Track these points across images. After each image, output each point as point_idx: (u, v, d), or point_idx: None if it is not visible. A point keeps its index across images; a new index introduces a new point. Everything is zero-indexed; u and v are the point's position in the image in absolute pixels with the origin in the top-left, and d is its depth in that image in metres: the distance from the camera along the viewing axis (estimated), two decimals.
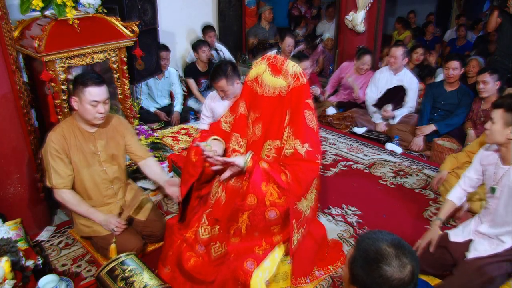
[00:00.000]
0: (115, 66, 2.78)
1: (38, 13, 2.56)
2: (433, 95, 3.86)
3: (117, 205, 2.48)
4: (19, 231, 2.30)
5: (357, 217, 2.84)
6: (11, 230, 2.18)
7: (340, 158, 3.72)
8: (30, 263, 1.97)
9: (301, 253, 1.99)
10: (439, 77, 4.44)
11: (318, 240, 2.11)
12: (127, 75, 2.87)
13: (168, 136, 3.75)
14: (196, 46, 4.62)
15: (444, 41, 6.76)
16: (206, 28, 5.14)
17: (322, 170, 3.35)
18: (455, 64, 3.65)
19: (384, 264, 1.08)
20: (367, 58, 4.46)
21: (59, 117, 2.54)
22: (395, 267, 1.08)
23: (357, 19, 4.68)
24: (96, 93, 2.18)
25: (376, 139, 4.06)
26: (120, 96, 2.92)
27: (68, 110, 2.56)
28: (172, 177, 2.91)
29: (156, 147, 3.41)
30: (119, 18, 2.79)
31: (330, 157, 3.74)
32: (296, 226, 1.86)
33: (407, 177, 3.38)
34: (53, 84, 2.47)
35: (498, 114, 1.94)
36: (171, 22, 4.96)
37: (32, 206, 2.60)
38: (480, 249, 2.04)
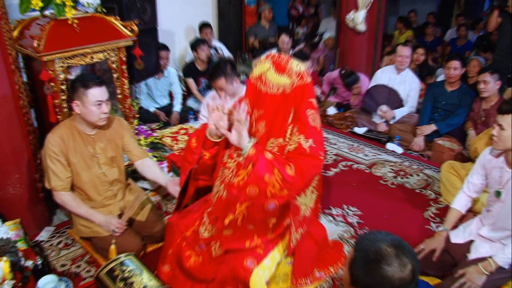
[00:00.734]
0: (114, 65, 2.77)
1: (37, 13, 2.55)
2: (433, 95, 3.85)
3: (116, 206, 2.47)
4: (18, 231, 2.29)
5: (357, 218, 2.84)
6: (10, 230, 2.17)
7: (341, 158, 3.72)
8: (29, 263, 1.97)
9: (302, 254, 1.98)
10: (440, 77, 4.44)
11: (318, 241, 2.10)
12: (126, 75, 2.86)
13: (168, 136, 3.74)
14: (195, 45, 4.60)
15: (444, 41, 6.75)
16: (203, 26, 5.13)
17: (323, 170, 3.34)
18: (455, 64, 3.64)
19: (385, 264, 1.08)
20: (356, 86, 4.52)
21: (59, 117, 2.53)
22: (396, 266, 1.08)
23: (358, 18, 4.67)
24: (98, 93, 2.17)
25: (376, 139, 4.06)
26: (119, 96, 2.91)
27: (67, 110, 2.55)
28: (172, 177, 2.90)
29: (156, 147, 3.40)
30: (118, 18, 2.78)
31: (330, 157, 3.73)
32: (295, 225, 1.85)
33: (407, 177, 3.37)
34: (52, 84, 2.47)
35: (507, 120, 1.89)
36: (171, 21, 4.94)
37: (32, 206, 2.59)
38: (482, 251, 2.03)
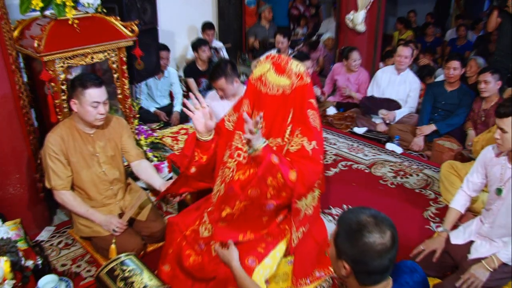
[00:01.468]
0: (114, 66, 2.77)
1: (37, 13, 2.56)
2: (433, 95, 3.85)
3: (117, 206, 2.48)
4: (18, 231, 2.29)
5: None
6: (10, 230, 2.17)
7: (341, 158, 3.72)
8: (29, 263, 1.97)
9: (303, 254, 1.98)
10: (439, 77, 4.44)
11: (319, 242, 2.10)
12: (126, 75, 2.87)
13: (168, 136, 3.74)
14: (196, 45, 4.60)
15: (445, 41, 6.75)
16: (206, 26, 5.13)
17: None
18: (455, 64, 3.64)
19: (366, 232, 1.18)
20: (355, 55, 4.46)
21: (59, 117, 2.53)
22: (377, 233, 1.18)
23: (358, 18, 4.68)
24: (96, 94, 2.18)
25: (376, 139, 4.06)
26: (119, 96, 2.91)
27: (68, 110, 2.56)
28: (171, 178, 2.91)
29: (156, 147, 3.41)
30: (118, 18, 2.78)
31: (330, 157, 3.73)
32: (296, 225, 1.86)
33: (407, 177, 3.37)
34: (52, 84, 2.47)
35: (507, 123, 1.90)
36: (171, 21, 4.95)
37: (32, 206, 2.59)
38: (482, 251, 2.03)
